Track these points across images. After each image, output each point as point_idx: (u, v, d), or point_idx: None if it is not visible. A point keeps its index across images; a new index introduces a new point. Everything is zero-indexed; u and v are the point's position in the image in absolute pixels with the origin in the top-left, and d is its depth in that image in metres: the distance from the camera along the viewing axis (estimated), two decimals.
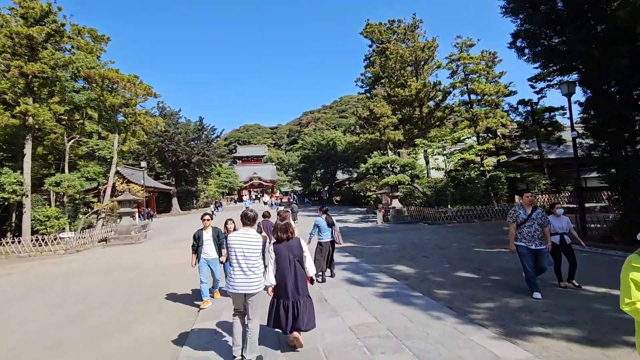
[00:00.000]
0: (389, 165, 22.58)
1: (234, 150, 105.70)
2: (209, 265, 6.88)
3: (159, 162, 48.16)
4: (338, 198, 54.25)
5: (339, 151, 49.27)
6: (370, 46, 37.14)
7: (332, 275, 8.37)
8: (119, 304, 7.47)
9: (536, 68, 13.45)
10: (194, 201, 51.63)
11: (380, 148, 29.08)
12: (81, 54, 21.99)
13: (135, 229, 18.99)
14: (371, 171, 23.61)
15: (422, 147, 24.24)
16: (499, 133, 27.15)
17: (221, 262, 6.98)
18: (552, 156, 28.15)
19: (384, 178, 24.55)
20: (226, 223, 7.29)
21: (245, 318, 4.19)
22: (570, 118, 11.91)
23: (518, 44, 13.75)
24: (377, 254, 11.55)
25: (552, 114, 25.26)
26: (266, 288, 4.27)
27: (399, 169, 23.23)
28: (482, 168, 24.63)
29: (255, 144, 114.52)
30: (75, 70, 21.32)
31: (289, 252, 4.35)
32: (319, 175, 55.10)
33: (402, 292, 6.85)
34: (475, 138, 25.83)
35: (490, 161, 23.82)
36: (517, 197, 24.27)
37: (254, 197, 65.88)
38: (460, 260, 9.64)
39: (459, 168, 25.00)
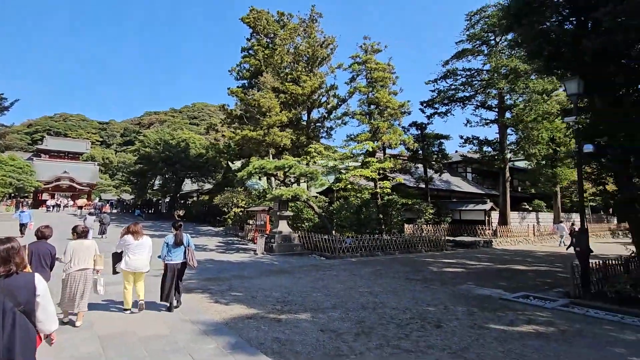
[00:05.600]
0: (278, 173, 16.49)
1: (39, 141, 79.59)
2: None
3: None
4: (181, 212, 44.00)
5: (191, 155, 39.96)
6: (249, 39, 31.01)
7: (177, 305, 6.93)
8: None
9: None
10: None
11: (258, 152, 22.62)
12: None
13: None
14: (258, 177, 16.93)
15: (316, 155, 19.10)
16: (387, 154, 24.80)
17: None
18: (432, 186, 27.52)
19: (255, 190, 18.24)
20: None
21: None
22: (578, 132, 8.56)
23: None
24: (327, 351, 5.10)
25: (440, 140, 24.39)
26: None
27: (293, 179, 17.39)
28: (376, 190, 21.26)
29: (74, 138, 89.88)
30: None
31: (6, 296, 2.48)
32: (159, 182, 43.85)
33: None
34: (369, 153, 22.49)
35: (387, 183, 20.62)
36: (410, 226, 21.72)
37: (53, 203, 47.32)
38: None
39: (353, 187, 20.95)
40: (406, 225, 22.30)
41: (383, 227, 20.79)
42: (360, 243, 16.71)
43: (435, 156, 24.51)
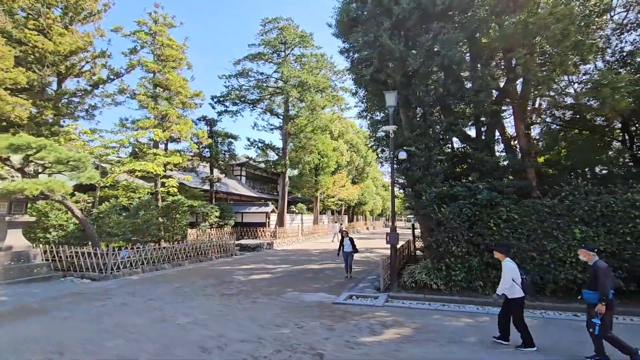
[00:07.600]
0: (11, 156, 10.39)
1: None
2: None
3: None
4: None
5: None
6: None
7: None
8: None
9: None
10: None
11: None
12: None
13: None
14: None
15: (76, 139, 13.77)
16: (171, 148, 21.58)
17: None
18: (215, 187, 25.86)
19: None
20: None
21: None
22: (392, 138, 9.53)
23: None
24: None
25: (230, 140, 23.28)
26: None
27: (39, 168, 11.58)
28: (158, 189, 17.76)
29: None
30: None
31: None
32: None
33: None
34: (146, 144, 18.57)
35: (174, 181, 17.58)
36: (194, 231, 19.24)
37: None
38: None
39: (128, 184, 16.63)
40: (190, 230, 19.83)
41: (163, 233, 17.54)
42: (142, 255, 13.19)
43: (223, 156, 23.21)
